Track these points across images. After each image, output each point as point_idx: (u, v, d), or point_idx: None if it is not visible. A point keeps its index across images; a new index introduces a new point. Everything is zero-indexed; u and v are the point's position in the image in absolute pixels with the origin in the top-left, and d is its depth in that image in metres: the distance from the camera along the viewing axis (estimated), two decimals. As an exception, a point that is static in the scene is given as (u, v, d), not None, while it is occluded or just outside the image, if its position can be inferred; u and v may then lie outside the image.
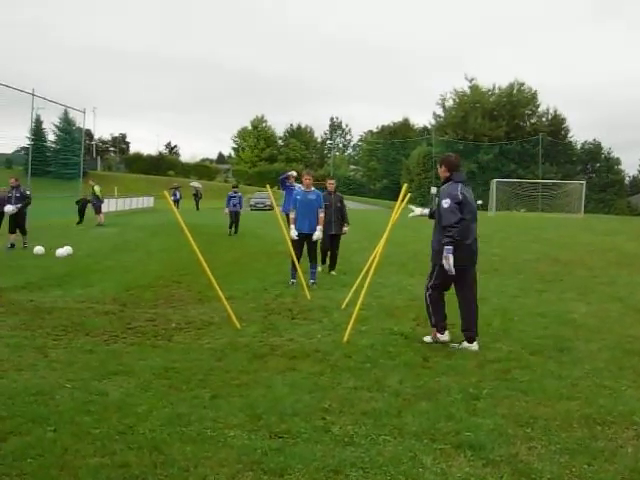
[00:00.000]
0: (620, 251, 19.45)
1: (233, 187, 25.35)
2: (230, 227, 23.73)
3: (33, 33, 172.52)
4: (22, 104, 29.53)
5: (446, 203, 7.22)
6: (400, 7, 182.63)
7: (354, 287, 9.55)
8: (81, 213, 30.00)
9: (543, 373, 6.24)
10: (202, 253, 8.31)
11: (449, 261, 7.02)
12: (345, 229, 13.52)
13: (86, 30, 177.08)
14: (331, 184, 13.43)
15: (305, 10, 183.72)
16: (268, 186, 13.23)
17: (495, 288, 11.56)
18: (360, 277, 9.89)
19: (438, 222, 7.40)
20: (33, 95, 29.79)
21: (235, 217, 23.62)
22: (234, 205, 23.65)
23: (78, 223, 29.22)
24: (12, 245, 17.69)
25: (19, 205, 18.01)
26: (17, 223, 18.14)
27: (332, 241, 13.23)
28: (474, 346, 7.20)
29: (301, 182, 12.43)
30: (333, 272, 13.15)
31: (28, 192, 18.65)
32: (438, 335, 7.50)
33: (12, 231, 18.13)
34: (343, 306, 9.35)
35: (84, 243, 19.02)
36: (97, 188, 30.05)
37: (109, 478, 3.88)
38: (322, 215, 11.84)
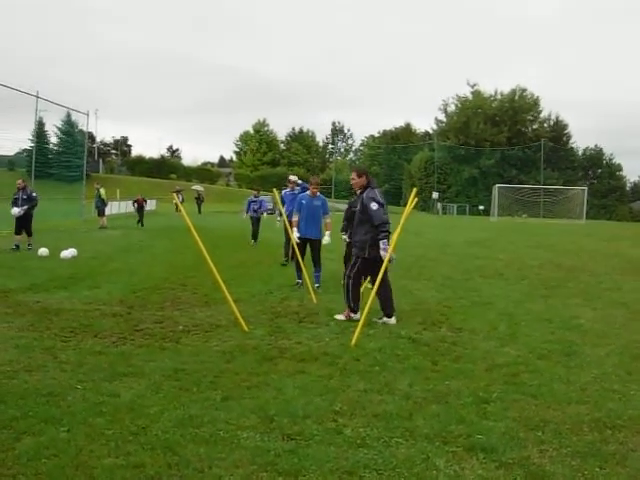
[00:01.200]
0: (624, 257, 19.49)
1: (254, 194, 24.25)
2: (253, 237, 22.48)
3: (37, 36, 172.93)
4: (26, 106, 29.62)
5: (374, 206, 8.49)
6: (403, 12, 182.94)
7: (360, 291, 9.56)
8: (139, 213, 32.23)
9: (552, 377, 6.25)
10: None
11: (388, 251, 8.31)
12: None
13: (88, 33, 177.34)
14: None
15: (308, 14, 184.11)
16: (275, 190, 13.22)
17: (500, 293, 11.59)
18: (366, 281, 9.93)
19: (360, 223, 8.73)
20: (37, 97, 29.86)
21: (256, 223, 22.89)
22: (255, 210, 23.10)
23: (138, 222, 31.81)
24: (17, 246, 17.70)
25: (25, 207, 18.05)
26: (23, 224, 18.17)
27: None
28: (392, 320, 8.63)
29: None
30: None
31: (35, 194, 18.65)
32: (351, 314, 8.84)
33: (18, 232, 18.16)
34: (349, 309, 9.36)
35: (88, 245, 19.04)
36: (102, 191, 30.12)
37: (124, 478, 3.89)
38: (329, 221, 11.84)
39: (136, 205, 33.28)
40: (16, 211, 17.88)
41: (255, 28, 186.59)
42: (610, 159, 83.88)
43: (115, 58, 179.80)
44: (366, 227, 8.60)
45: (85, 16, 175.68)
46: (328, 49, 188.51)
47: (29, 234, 18.27)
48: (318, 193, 11.97)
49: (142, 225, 31.30)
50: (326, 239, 11.65)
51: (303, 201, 11.87)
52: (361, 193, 8.81)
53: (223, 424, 4.80)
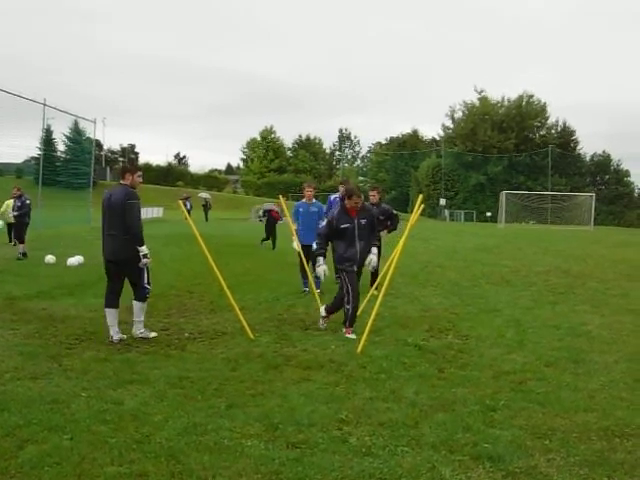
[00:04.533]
0: (632, 263, 19.38)
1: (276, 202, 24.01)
2: (268, 240, 22.59)
3: (43, 43, 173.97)
4: (33, 114, 29.75)
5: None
6: (410, 20, 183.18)
7: (367, 298, 9.54)
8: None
9: (559, 385, 6.20)
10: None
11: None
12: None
13: (94, 40, 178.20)
14: (373, 196, 12.22)
15: (316, 20, 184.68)
16: (281, 197, 13.20)
17: (507, 300, 11.53)
18: (373, 288, 9.90)
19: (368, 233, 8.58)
20: (44, 105, 29.99)
21: (272, 230, 22.81)
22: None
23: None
24: (24, 254, 17.71)
25: (15, 214, 18.20)
26: (16, 231, 18.28)
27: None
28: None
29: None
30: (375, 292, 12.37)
31: (28, 201, 18.66)
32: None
33: (22, 241, 18.17)
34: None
35: (95, 252, 18.98)
36: None
37: (127, 487, 3.87)
38: None
39: None
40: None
41: (263, 34, 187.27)
42: (618, 165, 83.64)
43: (122, 65, 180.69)
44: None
45: (92, 23, 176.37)
46: (335, 56, 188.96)
47: (20, 241, 18.11)
48: (314, 199, 11.98)
49: None
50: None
51: (300, 209, 11.91)
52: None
53: (227, 432, 4.77)
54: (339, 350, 7.49)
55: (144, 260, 7.87)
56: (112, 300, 8.00)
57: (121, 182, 8.13)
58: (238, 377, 6.27)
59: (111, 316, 7.92)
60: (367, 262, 8.70)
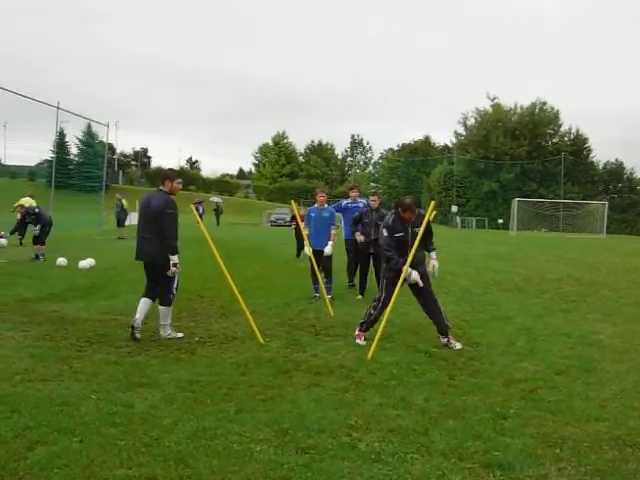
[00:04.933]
0: (644, 272, 19.24)
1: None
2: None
3: (45, 44, 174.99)
4: (47, 117, 29.95)
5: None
6: (423, 26, 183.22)
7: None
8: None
9: (570, 393, 6.15)
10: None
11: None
12: None
13: (107, 44, 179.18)
14: (374, 201, 12.30)
15: (330, 27, 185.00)
16: (293, 202, 13.21)
17: (519, 307, 11.47)
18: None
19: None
20: (58, 108, 30.16)
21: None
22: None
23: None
24: (37, 256, 17.81)
25: (39, 226, 18.42)
26: (39, 237, 18.39)
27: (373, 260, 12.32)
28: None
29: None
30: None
31: (42, 213, 18.91)
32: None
33: (35, 242, 18.29)
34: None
35: (106, 255, 19.15)
36: (125, 202, 30.40)
37: (136, 490, 3.87)
38: (334, 232, 11.84)
39: None
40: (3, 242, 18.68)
41: (276, 39, 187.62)
42: (631, 173, 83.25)
43: (135, 69, 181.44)
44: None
45: (105, 28, 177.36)
46: (348, 62, 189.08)
47: (39, 243, 18.31)
48: (326, 204, 12.00)
49: None
50: (328, 249, 11.64)
51: (312, 214, 11.92)
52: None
53: (237, 437, 4.76)
54: (349, 356, 7.47)
55: (173, 269, 8.06)
56: (146, 293, 8.35)
57: (161, 188, 8.30)
58: (248, 382, 6.27)
59: (142, 304, 8.21)
60: (430, 268, 8.29)
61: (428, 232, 8.28)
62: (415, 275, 7.95)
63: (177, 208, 8.17)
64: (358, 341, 8.21)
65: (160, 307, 8.28)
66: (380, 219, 11.62)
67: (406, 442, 4.76)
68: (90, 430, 4.79)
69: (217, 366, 6.85)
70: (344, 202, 13.48)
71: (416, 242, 7.89)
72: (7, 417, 5.02)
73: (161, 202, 8.02)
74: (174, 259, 8.03)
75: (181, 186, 8.45)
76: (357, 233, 12.02)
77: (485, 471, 4.29)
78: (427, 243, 8.34)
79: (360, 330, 8.34)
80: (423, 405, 5.68)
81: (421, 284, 8.00)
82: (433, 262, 8.36)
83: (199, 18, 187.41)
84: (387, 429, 5.03)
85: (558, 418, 5.42)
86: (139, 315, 8.12)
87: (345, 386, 6.20)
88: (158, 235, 8.00)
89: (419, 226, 8.07)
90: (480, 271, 18.02)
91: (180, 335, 8.29)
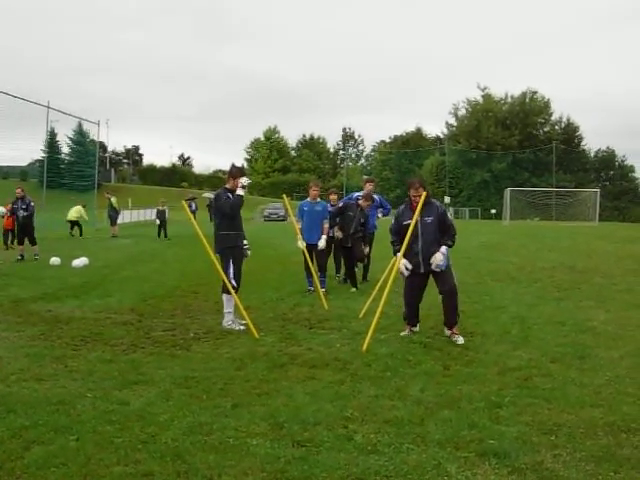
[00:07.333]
0: (637, 258, 19.32)
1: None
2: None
3: (47, 46, 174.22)
4: (37, 117, 29.84)
5: (450, 216, 8.28)
6: (414, 17, 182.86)
7: (372, 296, 9.55)
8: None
9: (565, 381, 6.18)
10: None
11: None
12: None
13: (95, 43, 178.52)
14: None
15: (318, 20, 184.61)
16: (285, 196, 13.21)
17: (512, 296, 11.51)
18: (377, 286, 9.88)
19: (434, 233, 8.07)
20: (48, 108, 30.06)
21: None
22: None
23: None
24: (22, 257, 17.77)
25: (24, 213, 18.23)
26: (25, 234, 18.27)
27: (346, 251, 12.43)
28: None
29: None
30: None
31: (32, 204, 18.73)
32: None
33: (20, 242, 18.27)
34: (361, 315, 9.34)
35: (100, 254, 19.10)
36: (114, 200, 30.31)
37: (133, 487, 3.87)
38: (326, 226, 11.85)
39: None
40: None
41: (265, 33, 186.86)
42: (622, 160, 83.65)
43: (124, 66, 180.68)
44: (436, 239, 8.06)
45: (96, 23, 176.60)
46: (338, 55, 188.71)
47: (33, 243, 18.30)
48: (318, 198, 12.01)
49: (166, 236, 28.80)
50: (322, 243, 11.66)
51: (305, 208, 11.92)
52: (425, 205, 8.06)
53: (233, 431, 4.77)
54: (344, 349, 7.49)
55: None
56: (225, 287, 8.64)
57: (225, 186, 8.92)
58: (243, 376, 6.27)
59: (225, 301, 8.78)
60: (431, 260, 7.96)
61: (445, 226, 8.12)
62: (401, 265, 8.00)
63: (229, 198, 8.70)
64: (404, 334, 8.28)
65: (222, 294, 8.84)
66: (364, 217, 11.95)
67: (402, 433, 4.78)
68: (86, 428, 4.79)
69: (212, 361, 6.85)
70: (355, 194, 13.47)
71: (409, 233, 7.89)
72: (3, 417, 5.02)
73: (217, 196, 8.84)
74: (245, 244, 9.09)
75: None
76: (335, 228, 12.04)
77: (481, 460, 4.30)
78: (443, 236, 8.06)
79: (406, 325, 8.43)
80: (418, 395, 5.69)
81: (406, 274, 8.06)
82: (436, 254, 7.94)
83: (192, 14, 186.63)
84: (383, 420, 5.05)
85: (553, 405, 5.44)
86: (227, 316, 8.75)
87: (340, 378, 6.21)
88: (215, 227, 8.80)
89: (430, 216, 8.03)
90: (473, 261, 18.05)
91: (240, 328, 8.54)
